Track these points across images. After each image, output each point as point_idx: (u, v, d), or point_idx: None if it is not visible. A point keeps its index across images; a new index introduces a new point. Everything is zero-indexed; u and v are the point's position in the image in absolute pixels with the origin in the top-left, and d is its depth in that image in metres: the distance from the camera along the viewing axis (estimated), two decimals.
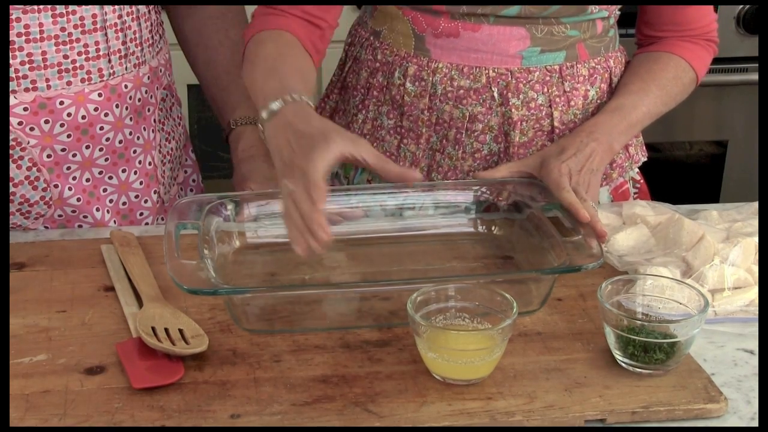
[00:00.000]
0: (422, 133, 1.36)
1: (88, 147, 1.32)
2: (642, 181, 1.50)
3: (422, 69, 1.34)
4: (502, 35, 1.31)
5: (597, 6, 1.32)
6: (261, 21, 1.30)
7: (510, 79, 1.32)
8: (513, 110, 1.33)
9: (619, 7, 1.37)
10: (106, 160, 1.35)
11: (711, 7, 1.41)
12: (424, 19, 1.33)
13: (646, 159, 1.48)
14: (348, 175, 1.45)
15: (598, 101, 1.38)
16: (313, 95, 1.21)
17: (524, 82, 1.33)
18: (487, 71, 1.32)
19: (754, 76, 2.38)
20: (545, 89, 1.34)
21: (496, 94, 1.33)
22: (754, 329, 1.10)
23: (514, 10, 1.29)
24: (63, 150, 1.30)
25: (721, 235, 1.20)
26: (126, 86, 1.33)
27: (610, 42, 1.39)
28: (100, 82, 1.30)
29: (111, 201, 1.37)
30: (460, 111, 1.34)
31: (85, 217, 1.35)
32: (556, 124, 1.35)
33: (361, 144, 1.05)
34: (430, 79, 1.34)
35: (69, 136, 1.30)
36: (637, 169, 1.47)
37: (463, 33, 1.31)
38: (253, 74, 1.21)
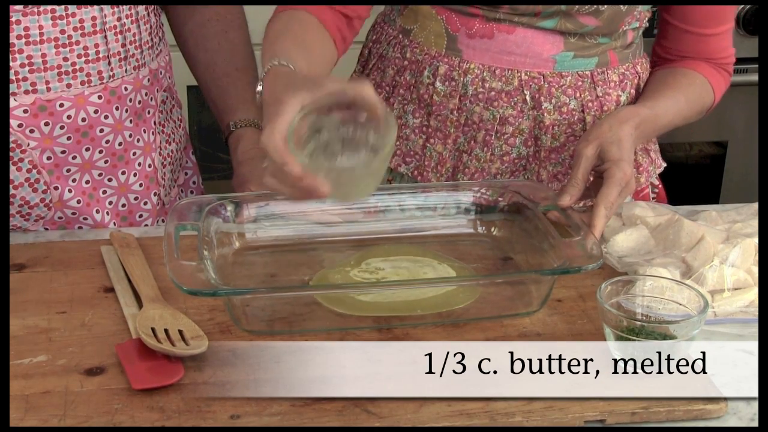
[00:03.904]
0: (450, 133, 1.36)
1: (87, 149, 1.32)
2: (660, 185, 1.50)
3: (453, 69, 1.33)
4: (537, 38, 1.31)
5: (630, 20, 1.32)
6: (281, 6, 1.28)
7: (542, 83, 1.32)
8: (545, 114, 1.33)
9: (648, 18, 1.36)
10: (106, 162, 1.35)
11: (731, 40, 1.39)
12: (459, 19, 1.32)
13: (666, 165, 1.48)
14: None
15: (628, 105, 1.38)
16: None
17: (556, 86, 1.33)
18: (519, 74, 1.32)
19: (754, 77, 2.38)
20: (578, 94, 1.34)
21: (528, 98, 1.32)
22: (754, 330, 1.10)
23: (551, 23, 1.29)
24: (63, 152, 1.30)
25: (720, 235, 1.20)
26: (126, 89, 1.34)
27: (636, 49, 1.39)
28: (100, 84, 1.31)
29: (111, 203, 1.37)
30: (490, 113, 1.33)
31: (84, 219, 1.35)
32: (588, 129, 1.34)
33: (325, 82, 0.99)
34: (461, 79, 1.33)
35: (69, 138, 1.30)
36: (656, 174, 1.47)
37: (498, 35, 1.31)
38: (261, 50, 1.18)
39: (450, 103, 1.34)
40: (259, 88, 1.08)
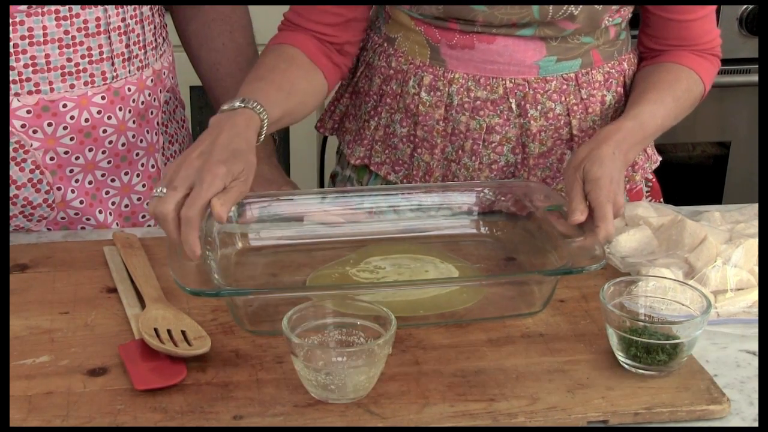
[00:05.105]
0: (437, 143, 1.35)
1: (91, 150, 1.32)
2: (654, 179, 1.49)
3: (438, 79, 1.33)
4: (518, 46, 1.30)
5: (611, 17, 1.30)
6: (274, 38, 1.32)
7: (527, 89, 1.31)
8: (531, 122, 1.32)
9: (630, 10, 1.35)
10: (109, 162, 1.35)
11: (714, 23, 1.38)
12: (437, 31, 1.32)
13: (661, 159, 1.47)
14: (361, 179, 1.44)
15: (616, 105, 1.37)
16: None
17: (541, 92, 1.32)
18: (504, 82, 1.31)
19: (757, 78, 2.38)
20: (563, 98, 1.33)
21: (513, 106, 1.32)
22: (757, 330, 1.10)
23: (529, 31, 1.29)
24: (66, 153, 1.30)
25: (723, 236, 1.20)
26: (129, 89, 1.34)
27: (622, 45, 1.38)
28: (104, 85, 1.31)
29: (113, 204, 1.37)
30: (476, 122, 1.33)
31: (87, 219, 1.36)
32: (574, 132, 1.34)
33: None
34: (446, 89, 1.33)
35: (72, 138, 1.30)
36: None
37: (479, 45, 1.30)
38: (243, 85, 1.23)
39: (436, 113, 1.34)
40: (225, 106, 1.13)
